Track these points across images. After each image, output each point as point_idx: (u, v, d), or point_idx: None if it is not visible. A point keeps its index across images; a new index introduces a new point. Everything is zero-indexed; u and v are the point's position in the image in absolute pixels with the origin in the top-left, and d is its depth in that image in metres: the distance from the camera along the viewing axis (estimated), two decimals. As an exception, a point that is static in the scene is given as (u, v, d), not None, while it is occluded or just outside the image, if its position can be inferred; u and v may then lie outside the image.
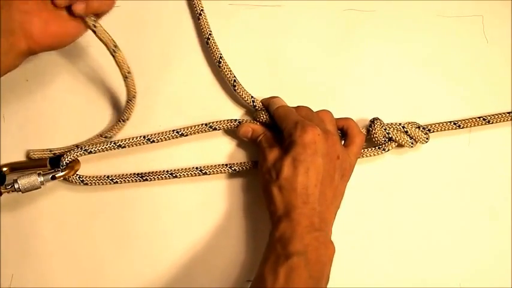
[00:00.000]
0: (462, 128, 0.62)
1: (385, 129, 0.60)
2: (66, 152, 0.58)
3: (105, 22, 0.63)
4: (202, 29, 0.61)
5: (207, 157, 0.60)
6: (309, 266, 0.49)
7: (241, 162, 0.61)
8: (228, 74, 0.60)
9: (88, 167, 0.60)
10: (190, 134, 0.60)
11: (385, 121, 0.61)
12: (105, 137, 0.59)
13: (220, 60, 0.60)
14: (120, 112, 0.61)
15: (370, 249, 0.62)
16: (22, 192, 0.55)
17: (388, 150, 0.61)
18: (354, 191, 0.59)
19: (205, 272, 0.61)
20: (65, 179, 0.58)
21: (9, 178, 0.57)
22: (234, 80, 0.60)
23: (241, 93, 0.60)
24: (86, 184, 0.59)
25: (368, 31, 0.65)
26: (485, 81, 0.65)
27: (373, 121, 0.61)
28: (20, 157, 0.59)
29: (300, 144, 0.53)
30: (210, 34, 0.61)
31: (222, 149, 0.62)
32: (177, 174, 0.60)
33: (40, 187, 0.56)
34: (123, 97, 0.62)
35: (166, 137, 0.59)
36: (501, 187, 0.64)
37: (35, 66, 0.62)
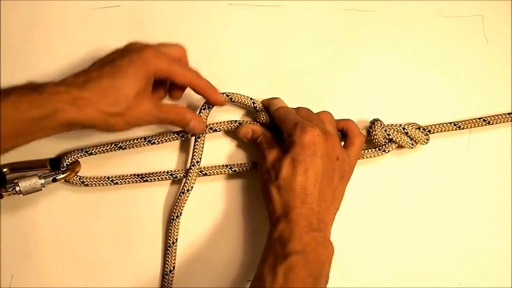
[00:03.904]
0: (462, 128, 0.62)
1: (385, 131, 0.60)
2: (67, 153, 0.58)
3: (105, 22, 0.64)
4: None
5: (207, 158, 0.60)
6: (308, 265, 0.49)
7: (241, 163, 0.61)
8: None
9: (88, 167, 0.60)
10: (191, 135, 0.60)
11: (385, 122, 0.61)
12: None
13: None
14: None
15: (370, 249, 0.62)
16: (23, 195, 0.55)
17: (389, 151, 0.61)
18: (354, 192, 0.59)
19: (205, 272, 0.61)
20: (66, 180, 0.58)
21: (9, 178, 0.57)
22: (228, 95, 0.60)
23: (239, 101, 0.60)
24: (87, 185, 0.59)
25: (368, 31, 0.65)
26: (485, 81, 0.65)
27: (373, 122, 0.61)
28: (20, 157, 0.59)
29: (299, 144, 0.53)
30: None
31: (222, 150, 0.62)
32: (177, 175, 0.60)
33: (41, 189, 0.56)
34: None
35: (166, 138, 0.59)
36: (501, 187, 0.64)
37: (35, 66, 0.62)
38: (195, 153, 0.59)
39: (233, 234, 0.61)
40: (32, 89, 0.47)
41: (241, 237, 0.61)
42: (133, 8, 0.64)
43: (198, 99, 0.60)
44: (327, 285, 0.51)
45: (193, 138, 0.60)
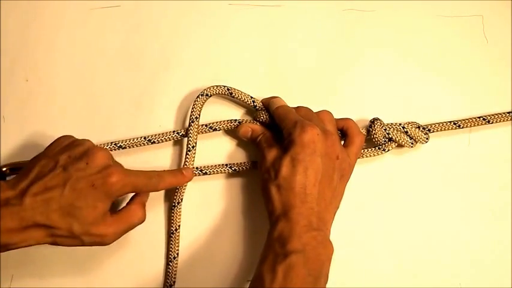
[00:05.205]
0: (462, 128, 0.62)
1: (385, 130, 0.60)
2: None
3: (105, 22, 0.64)
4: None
5: (207, 157, 0.60)
6: (308, 265, 0.49)
7: (240, 162, 0.61)
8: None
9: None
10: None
11: (385, 121, 0.61)
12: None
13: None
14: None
15: (370, 249, 0.62)
16: None
17: (388, 150, 0.61)
18: (353, 191, 0.59)
19: (204, 272, 0.61)
20: (65, 179, 0.58)
21: (9, 178, 0.57)
22: (228, 89, 0.60)
23: (239, 97, 0.60)
24: (86, 184, 0.59)
25: (368, 31, 0.65)
26: (485, 81, 0.65)
27: (373, 121, 0.61)
28: (20, 157, 0.59)
29: (299, 143, 0.53)
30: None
31: (222, 149, 0.62)
32: (177, 174, 0.60)
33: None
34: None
35: (166, 137, 0.59)
36: (501, 187, 0.64)
37: (35, 66, 0.63)
38: (190, 138, 0.59)
39: (232, 234, 0.61)
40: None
41: (240, 236, 0.61)
42: (133, 8, 0.64)
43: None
44: (327, 285, 0.51)
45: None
